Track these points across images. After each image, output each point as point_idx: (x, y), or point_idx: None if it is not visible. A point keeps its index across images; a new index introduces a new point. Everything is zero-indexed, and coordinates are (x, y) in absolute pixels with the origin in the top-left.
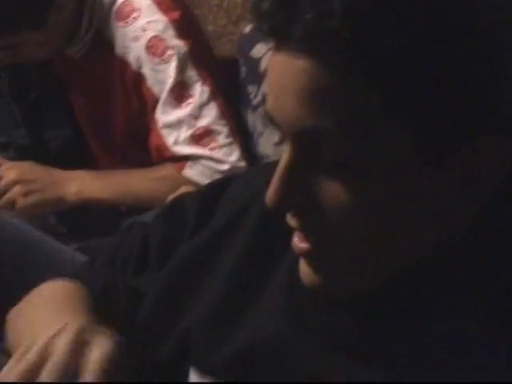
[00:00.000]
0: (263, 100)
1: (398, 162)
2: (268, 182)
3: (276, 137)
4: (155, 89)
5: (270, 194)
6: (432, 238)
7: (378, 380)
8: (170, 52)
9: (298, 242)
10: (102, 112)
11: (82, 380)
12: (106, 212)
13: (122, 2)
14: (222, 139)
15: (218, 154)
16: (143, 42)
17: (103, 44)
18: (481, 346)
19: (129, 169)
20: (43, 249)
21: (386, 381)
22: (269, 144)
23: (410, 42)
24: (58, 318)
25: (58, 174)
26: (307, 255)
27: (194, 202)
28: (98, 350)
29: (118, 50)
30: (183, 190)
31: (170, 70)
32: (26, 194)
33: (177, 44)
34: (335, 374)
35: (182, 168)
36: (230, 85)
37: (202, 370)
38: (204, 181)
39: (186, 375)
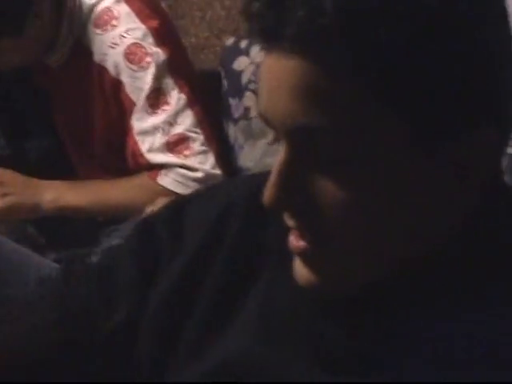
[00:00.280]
0: (245, 113)
1: (394, 158)
2: (245, 196)
3: (256, 150)
4: (133, 96)
5: (267, 193)
6: (426, 237)
7: None
8: (148, 59)
9: (295, 241)
10: (81, 120)
11: None
12: (85, 222)
13: (101, 10)
14: (197, 147)
15: (192, 161)
16: (121, 49)
17: (82, 52)
18: (474, 349)
19: (107, 179)
20: (11, 259)
21: None
22: (250, 157)
23: (403, 37)
24: None
25: (36, 182)
26: (303, 254)
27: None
28: None
29: (97, 57)
30: (160, 202)
31: (148, 77)
32: (2, 196)
33: (155, 52)
34: None
35: (156, 176)
36: (212, 97)
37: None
38: (179, 189)
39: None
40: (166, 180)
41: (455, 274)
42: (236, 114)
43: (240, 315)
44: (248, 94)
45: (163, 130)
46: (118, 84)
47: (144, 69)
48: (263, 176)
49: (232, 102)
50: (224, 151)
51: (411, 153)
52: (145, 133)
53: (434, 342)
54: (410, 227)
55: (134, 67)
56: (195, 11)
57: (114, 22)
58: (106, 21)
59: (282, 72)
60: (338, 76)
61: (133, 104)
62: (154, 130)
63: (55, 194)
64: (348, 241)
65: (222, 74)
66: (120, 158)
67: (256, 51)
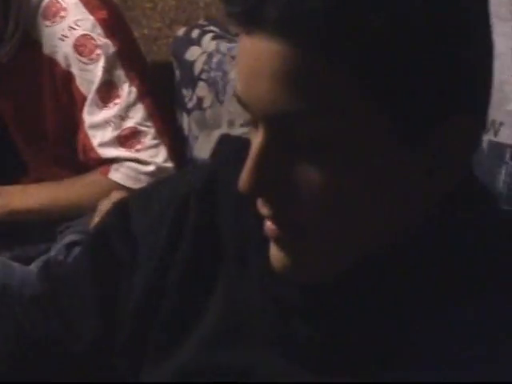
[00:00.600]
0: (198, 103)
1: (373, 144)
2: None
3: (211, 141)
4: (83, 88)
5: (244, 178)
6: (400, 224)
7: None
8: (98, 51)
9: (271, 226)
10: (32, 114)
11: None
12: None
13: (49, 1)
14: (148, 140)
15: (143, 155)
16: (71, 40)
17: (31, 44)
18: (457, 341)
19: (59, 172)
20: None
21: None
22: (204, 147)
23: (384, 23)
24: None
25: None
26: (279, 240)
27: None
28: None
29: (47, 49)
30: (114, 196)
31: (98, 70)
32: None
33: (105, 43)
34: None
35: (108, 172)
36: (165, 88)
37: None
38: (131, 183)
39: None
40: (117, 175)
41: (430, 261)
42: (190, 105)
43: (204, 317)
44: (201, 84)
45: (114, 124)
46: (68, 76)
47: (94, 61)
48: (214, 165)
49: (185, 92)
50: (178, 143)
51: (387, 140)
52: (96, 127)
53: (407, 330)
54: (386, 214)
55: (84, 59)
56: (146, 2)
57: (63, 13)
58: (54, 12)
59: (263, 55)
60: (320, 60)
61: (84, 97)
62: (105, 123)
63: (5, 198)
64: (323, 227)
65: (175, 64)
66: (73, 152)
67: (207, 41)
